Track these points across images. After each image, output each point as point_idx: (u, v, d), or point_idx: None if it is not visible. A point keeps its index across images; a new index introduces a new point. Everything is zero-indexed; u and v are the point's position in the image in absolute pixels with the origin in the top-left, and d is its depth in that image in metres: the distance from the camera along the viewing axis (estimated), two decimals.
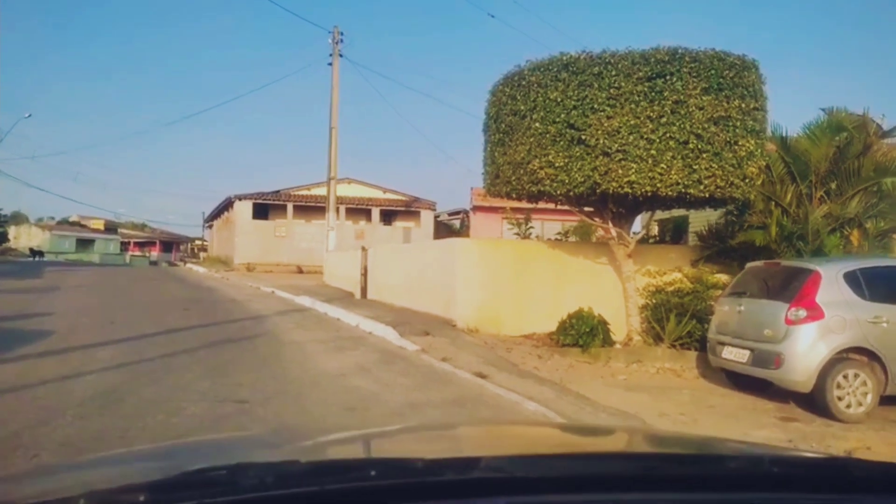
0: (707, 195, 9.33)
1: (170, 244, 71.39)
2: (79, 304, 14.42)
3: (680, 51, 9.23)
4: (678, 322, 10.39)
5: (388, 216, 36.07)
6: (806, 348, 7.54)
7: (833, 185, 10.85)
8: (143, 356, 8.33)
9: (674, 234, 17.05)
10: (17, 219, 65.20)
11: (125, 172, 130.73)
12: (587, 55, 9.48)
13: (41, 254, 47.31)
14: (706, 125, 9.05)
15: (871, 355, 7.54)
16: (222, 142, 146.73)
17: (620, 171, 9.08)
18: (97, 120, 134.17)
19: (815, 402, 7.53)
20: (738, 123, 9.19)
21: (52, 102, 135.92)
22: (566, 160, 9.31)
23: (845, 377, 7.43)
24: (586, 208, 11.23)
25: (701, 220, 13.65)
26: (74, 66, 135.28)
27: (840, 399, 7.39)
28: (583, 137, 9.21)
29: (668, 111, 9.02)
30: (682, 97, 9.04)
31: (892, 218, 10.82)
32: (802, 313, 7.60)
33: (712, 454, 1.69)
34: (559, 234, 14.31)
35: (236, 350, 9.31)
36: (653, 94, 9.07)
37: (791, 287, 7.98)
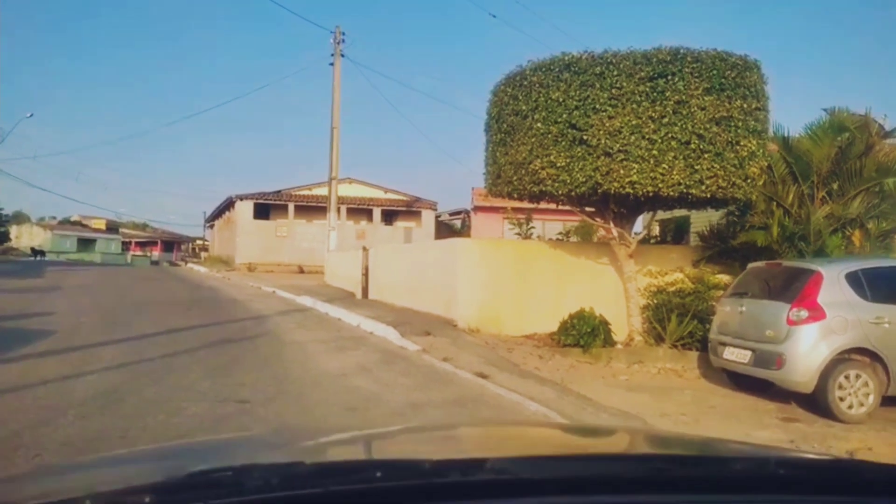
0: (709, 195, 9.32)
1: (171, 244, 71.45)
2: (80, 303, 14.43)
3: (682, 51, 9.23)
4: (679, 322, 10.38)
5: (389, 216, 36.08)
6: (807, 349, 7.53)
7: (835, 186, 10.84)
8: (144, 356, 8.33)
9: (675, 234, 17.04)
10: (19, 218, 65.32)
11: (126, 172, 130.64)
12: (589, 55, 9.47)
13: (42, 253, 47.35)
14: (708, 125, 9.04)
15: (873, 356, 7.53)
16: (223, 142, 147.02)
17: (622, 172, 9.07)
18: (98, 120, 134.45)
19: (816, 402, 7.52)
20: (740, 124, 9.19)
21: (53, 102, 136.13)
22: (568, 160, 9.31)
23: (847, 378, 7.42)
24: (588, 208, 11.22)
25: (702, 220, 13.65)
26: (75, 66, 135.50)
27: (841, 400, 7.38)
28: (584, 137, 9.20)
29: (670, 111, 9.01)
30: (683, 97, 9.03)
31: (893, 218, 10.80)
32: (804, 314, 7.59)
33: (718, 456, 1.69)
34: (560, 234, 14.30)
35: (237, 350, 9.31)
36: (654, 94, 9.07)
37: (793, 287, 7.98)
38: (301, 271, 29.97)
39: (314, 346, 10.08)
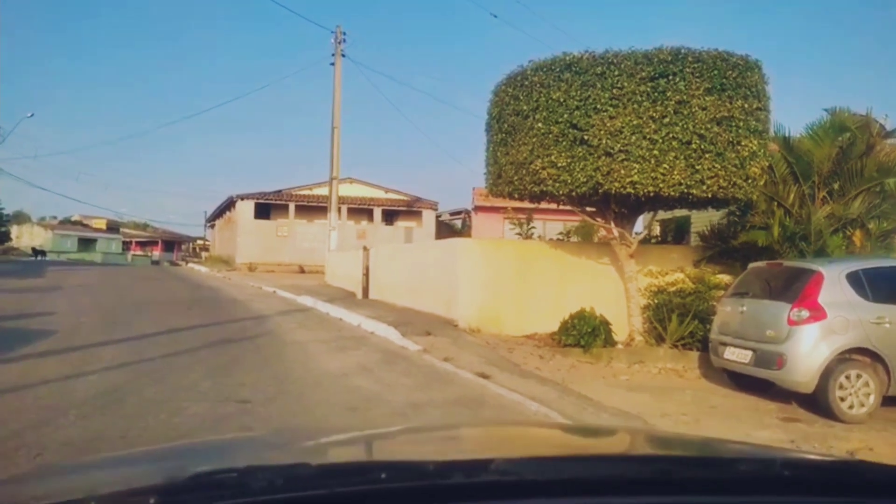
0: (709, 195, 9.32)
1: (172, 244, 71.48)
2: (80, 303, 14.43)
3: (683, 51, 9.23)
4: (680, 322, 10.38)
5: (389, 216, 36.09)
6: (808, 349, 7.53)
7: (836, 186, 10.84)
8: (145, 356, 8.33)
9: (676, 234, 17.03)
10: (20, 218, 65.32)
11: (127, 172, 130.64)
12: (590, 55, 9.47)
13: (43, 253, 47.37)
14: (709, 125, 9.04)
15: (874, 356, 7.53)
16: (224, 141, 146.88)
17: (623, 172, 9.07)
18: (99, 120, 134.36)
19: (817, 402, 7.52)
20: (741, 124, 9.19)
21: (53, 102, 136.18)
22: (569, 160, 9.31)
23: (847, 378, 7.42)
24: (588, 208, 11.22)
25: (703, 220, 13.64)
26: (75, 66, 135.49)
27: (842, 400, 7.38)
28: (585, 137, 9.20)
29: (671, 111, 9.01)
30: (684, 97, 9.03)
31: (894, 218, 10.80)
32: (805, 314, 7.59)
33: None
34: (561, 234, 14.31)
35: (238, 350, 9.31)
36: (656, 94, 9.07)
37: (793, 288, 7.98)
38: (302, 271, 29.98)
39: (315, 346, 10.08)
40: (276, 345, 9.94)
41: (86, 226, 71.14)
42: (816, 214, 10.40)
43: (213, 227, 51.03)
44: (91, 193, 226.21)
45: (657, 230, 15.42)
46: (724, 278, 11.05)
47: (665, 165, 9.02)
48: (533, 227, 14.20)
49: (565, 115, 9.32)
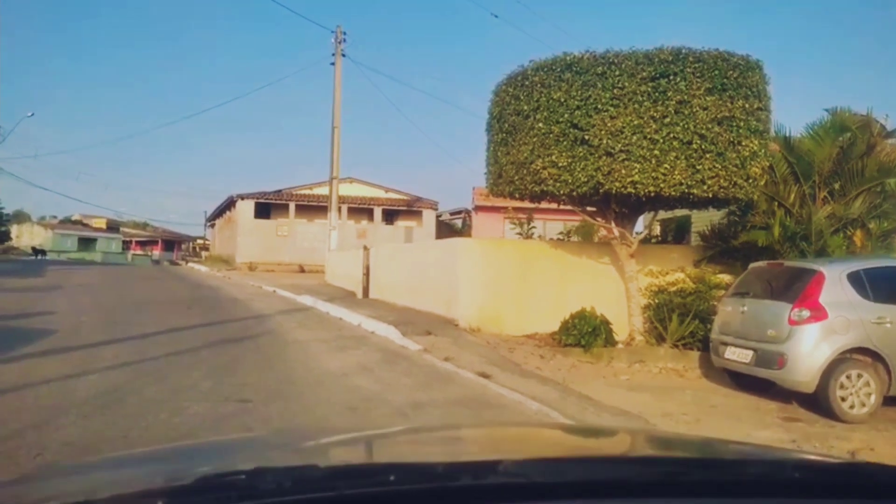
0: (710, 195, 9.32)
1: (172, 243, 71.49)
2: (81, 302, 14.43)
3: (684, 51, 9.23)
4: (681, 322, 10.38)
5: (390, 216, 36.09)
6: (809, 349, 7.53)
7: (836, 186, 10.83)
8: (146, 355, 8.33)
9: (676, 234, 17.02)
10: (20, 217, 65.32)
11: (127, 171, 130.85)
12: (591, 55, 9.47)
13: (43, 252, 47.36)
14: (710, 125, 9.04)
15: (875, 356, 7.53)
16: (224, 141, 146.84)
17: (624, 172, 9.07)
18: (99, 119, 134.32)
19: (818, 402, 7.52)
20: (742, 124, 9.18)
21: (53, 102, 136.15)
22: (569, 160, 9.31)
23: (848, 378, 7.42)
24: (589, 208, 11.22)
25: (703, 220, 13.63)
26: (75, 66, 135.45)
27: (843, 399, 7.38)
28: (586, 137, 9.20)
29: (672, 111, 9.01)
30: (685, 97, 9.03)
31: (895, 218, 10.79)
32: (806, 314, 7.59)
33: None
34: (561, 233, 14.30)
35: (239, 349, 9.31)
36: (656, 94, 9.07)
37: (794, 287, 7.97)
38: (302, 271, 29.98)
39: (315, 345, 10.08)
40: (276, 344, 9.94)
41: (86, 225, 71.13)
42: (817, 214, 10.40)
43: (213, 226, 51.03)
44: (91, 193, 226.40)
45: (658, 230, 15.42)
46: (725, 278, 11.05)
47: (666, 165, 9.01)
48: (533, 227, 14.19)
49: (566, 115, 9.31)
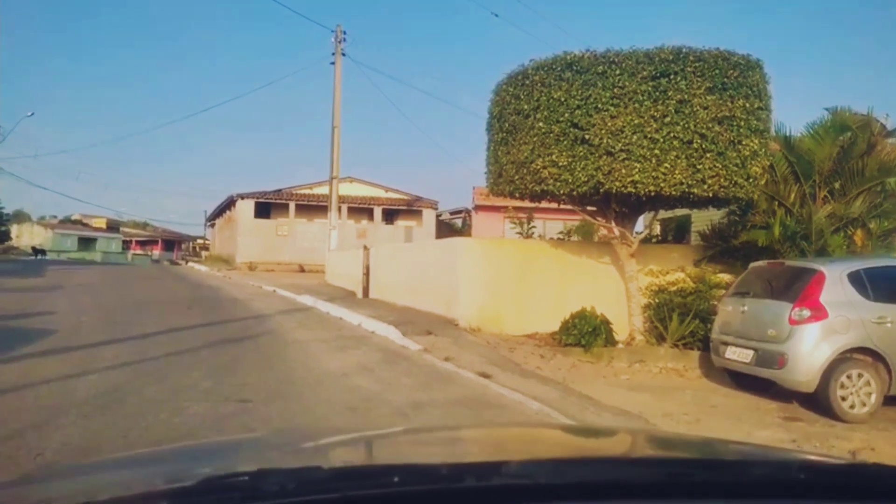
0: (710, 195, 9.31)
1: (171, 243, 71.51)
2: (81, 302, 14.43)
3: (684, 50, 9.22)
4: (681, 322, 10.37)
5: (390, 215, 36.10)
6: (810, 348, 7.52)
7: (837, 185, 10.82)
8: (146, 355, 8.32)
9: (676, 233, 17.01)
10: (20, 217, 65.29)
11: (127, 171, 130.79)
12: (591, 54, 9.46)
13: (43, 252, 47.37)
14: (710, 125, 9.03)
15: (875, 355, 7.53)
16: (224, 141, 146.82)
17: (624, 171, 9.06)
18: (99, 119, 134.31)
19: (818, 402, 7.51)
20: (742, 123, 9.18)
21: (53, 102, 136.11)
22: (570, 159, 9.30)
23: (849, 377, 7.42)
24: (589, 208, 11.21)
25: (704, 219, 13.63)
26: (75, 66, 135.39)
27: (843, 399, 7.37)
28: (586, 137, 9.19)
29: (672, 110, 9.00)
30: (686, 96, 9.02)
31: (895, 217, 10.78)
32: (806, 313, 7.58)
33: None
34: (561, 233, 14.29)
35: (239, 349, 9.30)
36: (657, 93, 9.06)
37: (795, 287, 7.97)
38: (302, 270, 29.98)
39: (316, 345, 10.07)
40: (276, 344, 9.94)
41: (86, 225, 71.14)
42: (817, 214, 10.39)
43: (213, 226, 51.03)
44: (91, 193, 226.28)
45: (658, 229, 15.40)
46: (725, 278, 11.04)
47: (666, 165, 9.01)
48: (533, 227, 14.19)
49: (566, 115, 9.31)
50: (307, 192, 34.69)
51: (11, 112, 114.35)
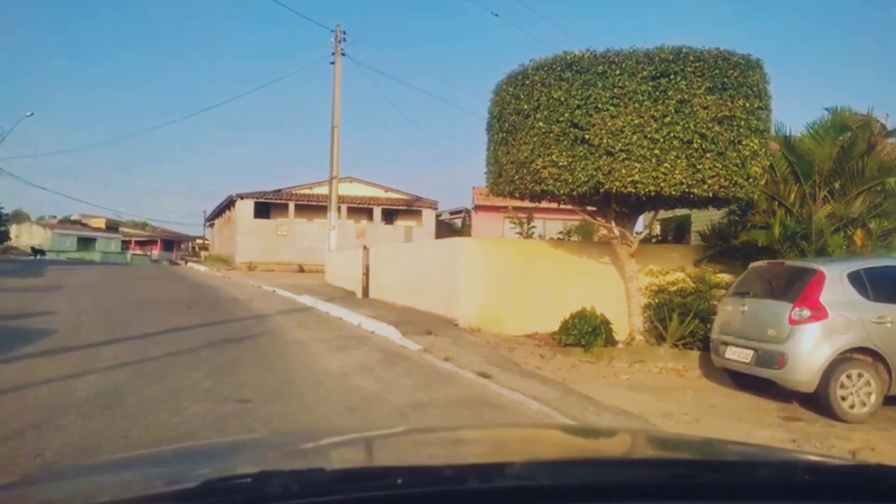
0: (710, 195, 9.31)
1: (171, 243, 71.48)
2: (80, 302, 14.42)
3: (684, 50, 9.21)
4: (681, 322, 10.37)
5: (389, 215, 36.09)
6: (810, 348, 7.52)
7: (837, 185, 10.82)
8: (146, 355, 8.32)
9: (676, 233, 17.02)
10: (19, 217, 65.27)
11: (126, 171, 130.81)
12: (591, 54, 9.46)
13: (42, 252, 47.35)
14: (710, 124, 9.03)
15: (875, 355, 7.52)
16: (224, 141, 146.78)
17: (624, 171, 9.06)
18: (99, 119, 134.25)
19: (818, 402, 7.51)
20: (742, 123, 9.17)
21: (53, 102, 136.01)
22: (570, 159, 9.30)
23: (849, 377, 7.41)
24: (589, 208, 11.21)
25: (703, 219, 13.63)
26: (75, 66, 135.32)
27: (843, 399, 7.37)
28: (586, 137, 9.19)
29: (673, 110, 9.00)
30: (686, 96, 9.02)
31: (895, 217, 10.78)
32: (806, 313, 7.58)
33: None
34: (561, 233, 14.29)
35: (238, 349, 9.30)
36: (657, 93, 9.05)
37: (795, 287, 7.96)
38: (301, 270, 29.97)
39: (315, 345, 10.07)
40: (276, 344, 9.93)
41: (85, 225, 71.11)
42: (817, 214, 10.38)
43: (212, 226, 51.02)
44: (90, 193, 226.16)
45: (658, 229, 15.40)
46: (725, 278, 11.04)
47: (666, 165, 9.01)
48: (533, 227, 14.18)
49: (566, 115, 9.30)
50: (307, 192, 34.69)
51: (11, 112, 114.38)
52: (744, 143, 9.18)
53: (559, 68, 9.52)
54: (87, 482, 1.56)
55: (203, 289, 20.40)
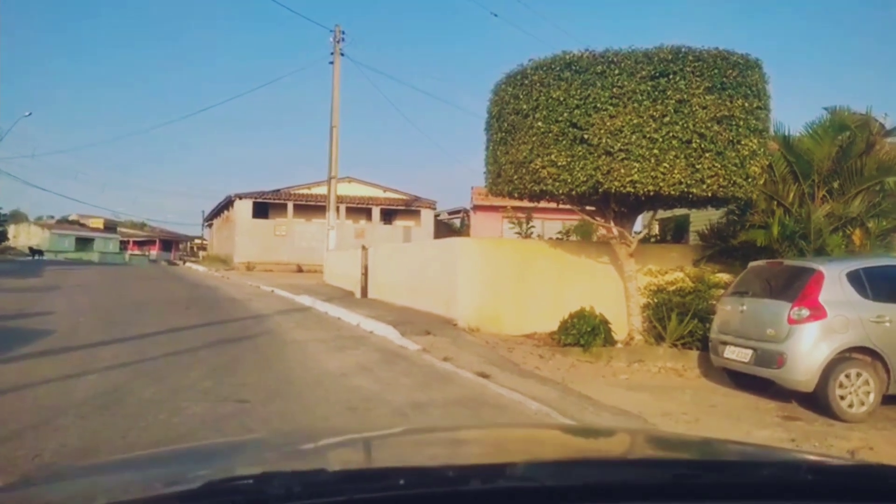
0: (709, 194, 9.31)
1: (169, 243, 71.39)
2: (79, 303, 14.40)
3: (683, 50, 9.21)
4: (680, 321, 10.37)
5: (388, 215, 36.09)
6: (808, 348, 7.52)
7: (835, 185, 10.83)
8: (144, 356, 8.31)
9: (675, 233, 17.03)
10: (17, 217, 65.14)
11: (125, 171, 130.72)
12: (590, 54, 9.46)
13: (41, 253, 47.28)
14: (709, 124, 9.03)
15: (874, 355, 7.53)
16: (223, 141, 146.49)
17: (623, 171, 9.06)
18: (98, 119, 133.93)
19: (817, 401, 7.52)
20: (741, 122, 9.18)
21: (53, 102, 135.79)
22: (568, 159, 9.29)
23: (848, 377, 7.42)
24: (588, 207, 11.21)
25: (702, 219, 13.64)
26: (75, 65, 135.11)
27: (842, 398, 7.38)
28: (585, 136, 9.19)
29: (672, 110, 9.00)
30: (685, 96, 9.02)
31: (894, 217, 10.79)
32: (805, 313, 7.58)
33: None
34: (560, 233, 14.29)
35: (237, 349, 9.29)
36: (656, 93, 9.05)
37: (794, 286, 7.97)
38: (300, 270, 29.96)
39: (314, 345, 10.06)
40: (275, 344, 9.92)
41: (83, 225, 70.99)
42: (816, 213, 10.39)
43: (210, 226, 50.99)
44: (89, 193, 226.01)
45: (656, 229, 15.41)
46: (724, 277, 11.05)
47: (665, 164, 9.01)
48: (532, 227, 14.19)
49: (565, 114, 9.30)
50: (305, 192, 34.67)
51: (9, 112, 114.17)
52: (743, 142, 9.18)
53: (558, 68, 9.52)
54: (86, 483, 1.56)
55: (201, 289, 20.39)
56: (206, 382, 6.97)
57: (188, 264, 43.21)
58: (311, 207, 33.18)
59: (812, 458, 2.18)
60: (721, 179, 9.12)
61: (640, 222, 12.54)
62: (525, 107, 9.75)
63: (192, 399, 6.23)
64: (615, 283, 11.06)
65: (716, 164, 9.07)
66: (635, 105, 9.05)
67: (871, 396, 7.42)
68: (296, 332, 11.20)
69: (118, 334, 9.92)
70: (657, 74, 9.09)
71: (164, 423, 5.42)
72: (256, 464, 1.53)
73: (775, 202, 10.83)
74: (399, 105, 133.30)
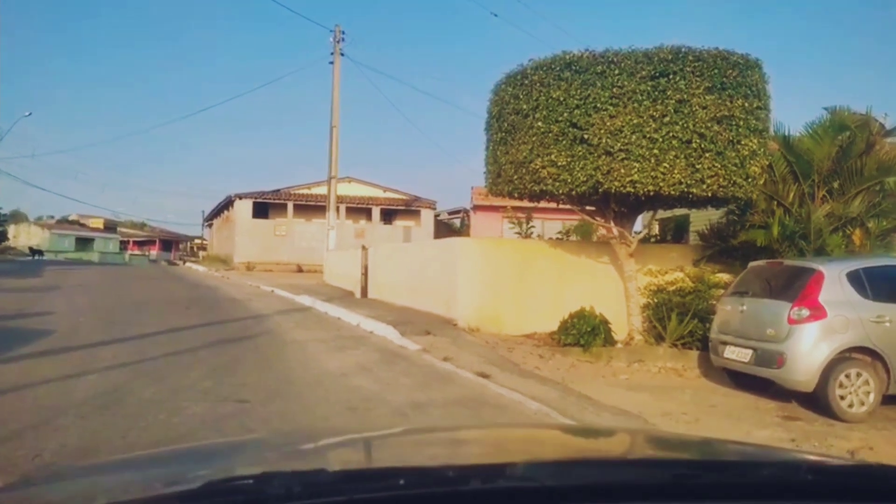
0: (709, 194, 9.31)
1: (169, 243, 71.40)
2: (79, 303, 14.40)
3: (683, 50, 9.21)
4: (680, 321, 10.37)
5: (388, 215, 36.09)
6: (808, 348, 7.52)
7: (835, 185, 10.83)
8: (144, 355, 8.31)
9: (675, 233, 17.03)
10: (17, 217, 65.14)
11: (125, 171, 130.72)
12: (590, 54, 9.46)
13: (41, 253, 47.29)
14: (709, 124, 9.03)
15: (874, 355, 7.53)
16: (223, 141, 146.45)
17: (623, 171, 9.06)
18: (98, 119, 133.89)
19: (817, 401, 7.52)
20: (741, 122, 9.18)
21: (53, 102, 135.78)
22: (568, 159, 9.29)
23: (848, 377, 7.42)
24: (588, 207, 11.21)
25: (702, 219, 13.64)
26: (75, 65, 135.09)
27: (842, 398, 7.38)
28: (585, 136, 9.19)
29: (672, 110, 9.00)
30: (685, 96, 9.02)
31: (894, 217, 10.79)
32: (805, 313, 7.58)
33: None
34: (560, 233, 14.28)
35: (237, 349, 9.29)
36: (656, 93, 9.05)
37: (794, 286, 7.97)
38: (300, 270, 29.96)
39: (314, 345, 10.06)
40: (275, 344, 9.92)
41: (83, 225, 71.00)
42: (816, 213, 10.39)
43: (210, 226, 50.99)
44: (89, 193, 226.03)
45: (656, 229, 15.41)
46: (724, 277, 11.05)
47: (665, 164, 9.01)
48: (532, 227, 14.19)
49: (565, 114, 9.30)
50: (305, 192, 34.68)
51: (9, 112, 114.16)
52: (743, 142, 9.18)
53: (558, 68, 9.52)
54: (86, 483, 1.56)
55: (201, 289, 20.39)
56: (206, 382, 6.97)
57: (188, 264, 43.21)
58: (311, 207, 33.18)
59: (812, 458, 2.17)
60: (721, 179, 9.12)
61: (640, 222, 12.55)
62: (525, 107, 9.75)
63: (192, 399, 6.23)
64: (615, 283, 11.06)
65: (716, 164, 9.07)
66: (635, 105, 9.05)
67: (871, 396, 7.42)
68: (296, 332, 11.20)
69: (118, 334, 9.92)
70: (657, 74, 9.09)
71: (163, 423, 5.42)
72: (256, 464, 1.53)
73: (775, 202, 10.83)
74: (399, 105, 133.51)
